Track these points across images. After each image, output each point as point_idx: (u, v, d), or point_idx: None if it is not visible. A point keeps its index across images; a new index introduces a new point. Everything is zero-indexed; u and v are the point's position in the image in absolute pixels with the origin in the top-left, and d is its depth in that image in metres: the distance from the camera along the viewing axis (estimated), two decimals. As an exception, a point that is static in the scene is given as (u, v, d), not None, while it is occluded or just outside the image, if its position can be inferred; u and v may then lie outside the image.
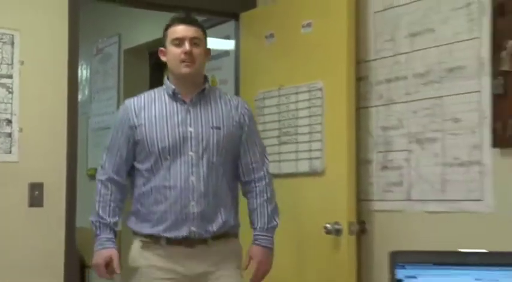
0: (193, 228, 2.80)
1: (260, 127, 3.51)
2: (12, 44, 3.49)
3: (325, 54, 3.51)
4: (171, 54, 2.88)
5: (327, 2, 3.52)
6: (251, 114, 3.07)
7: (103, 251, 2.84)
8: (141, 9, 4.38)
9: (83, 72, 5.76)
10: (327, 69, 3.50)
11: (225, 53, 4.56)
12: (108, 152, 2.94)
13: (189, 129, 2.86)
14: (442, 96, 3.15)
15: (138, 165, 2.92)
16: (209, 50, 3.00)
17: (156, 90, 3.01)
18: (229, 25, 4.32)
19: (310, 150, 3.55)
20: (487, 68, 2.94)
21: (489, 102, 2.93)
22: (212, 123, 2.90)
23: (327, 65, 3.50)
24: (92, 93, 5.77)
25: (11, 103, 3.47)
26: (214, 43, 3.97)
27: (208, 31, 4.44)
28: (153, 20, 4.73)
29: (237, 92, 4.13)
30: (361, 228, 3.43)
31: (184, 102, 2.89)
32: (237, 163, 2.99)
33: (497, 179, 2.91)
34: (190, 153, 2.84)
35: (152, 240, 2.85)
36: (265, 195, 2.98)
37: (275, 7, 3.89)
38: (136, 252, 2.89)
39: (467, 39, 3.05)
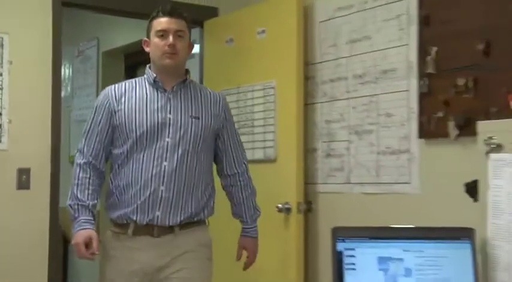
0: (158, 213, 2.48)
1: (221, 120, 3.47)
2: (2, 45, 3.44)
3: (278, 57, 3.50)
4: (155, 46, 2.57)
5: (279, 12, 3.50)
6: (229, 108, 2.80)
7: (82, 232, 2.50)
8: (117, 16, 4.31)
9: (66, 71, 5.71)
10: (279, 70, 3.49)
11: (191, 55, 4.50)
12: (87, 136, 2.62)
13: (168, 115, 2.55)
14: (376, 94, 3.16)
15: (114, 150, 2.61)
16: (192, 43, 2.74)
17: (137, 78, 2.69)
18: (195, 31, 4.25)
19: (265, 141, 3.55)
20: (415, 71, 2.97)
21: (416, 100, 2.96)
22: (191, 112, 2.59)
23: (279, 67, 3.49)
24: (74, 89, 5.71)
25: (1, 98, 3.43)
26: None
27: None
28: (128, 26, 4.70)
29: (201, 90, 4.07)
30: (308, 208, 3.43)
31: (165, 90, 2.59)
32: (213, 156, 2.72)
33: (423, 165, 2.94)
34: (167, 139, 2.52)
35: (121, 230, 2.54)
36: (249, 189, 2.77)
37: (234, 16, 3.86)
38: (107, 241, 2.61)
39: (398, 46, 3.07)
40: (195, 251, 2.56)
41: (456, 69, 2.79)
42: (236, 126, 2.94)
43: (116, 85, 2.65)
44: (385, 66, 3.13)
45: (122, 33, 5.08)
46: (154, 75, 2.59)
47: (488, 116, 2.48)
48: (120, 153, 2.57)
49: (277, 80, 3.51)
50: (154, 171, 2.50)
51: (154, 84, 2.60)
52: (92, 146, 2.59)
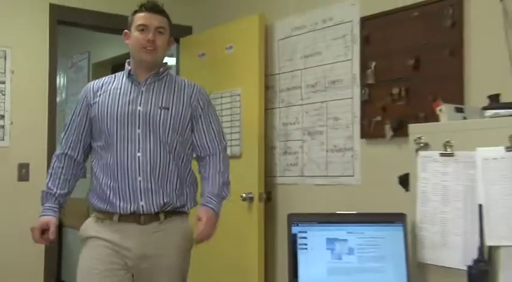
0: (141, 203, 2.18)
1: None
2: (5, 57, 3.44)
3: (243, 69, 3.49)
4: (135, 39, 2.26)
5: (244, 31, 3.49)
6: (208, 99, 2.40)
7: (42, 218, 2.25)
8: (106, 33, 4.24)
9: (61, 80, 5.61)
10: (244, 80, 3.48)
11: (169, 67, 4.47)
12: (67, 129, 2.35)
13: (138, 108, 2.24)
14: (326, 101, 3.17)
15: (93, 143, 2.33)
16: (172, 39, 2.40)
17: (118, 73, 2.39)
18: (172, 47, 4.24)
19: (231, 140, 3.52)
20: (357, 81, 2.98)
21: (359, 106, 2.97)
22: (161, 103, 2.26)
23: (244, 77, 3.48)
24: (68, 95, 5.61)
25: (4, 102, 3.43)
26: (160, 60, 3.92)
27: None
28: (116, 42, 4.60)
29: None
30: (268, 197, 3.42)
31: (138, 83, 2.29)
32: (189, 145, 2.35)
33: (364, 161, 2.96)
34: (137, 131, 2.22)
35: (106, 216, 2.23)
36: (218, 167, 2.34)
37: (206, 34, 3.84)
38: (88, 224, 2.29)
39: (343, 60, 3.08)
40: (178, 240, 2.25)
41: (391, 80, 2.81)
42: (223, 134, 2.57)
43: (97, 80, 2.40)
44: (333, 78, 3.13)
45: (110, 47, 5.01)
46: (130, 68, 2.31)
47: (417, 120, 2.50)
48: (98, 145, 2.30)
49: (242, 88, 3.49)
50: (129, 163, 2.21)
51: (130, 77, 2.31)
52: (71, 138, 2.33)
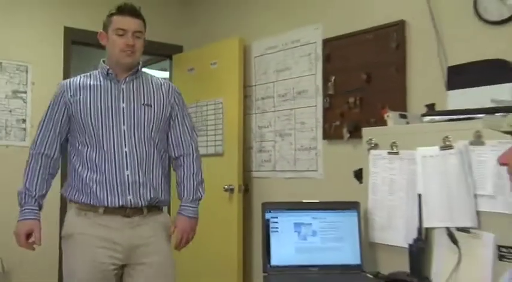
0: (129, 197, 1.91)
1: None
2: (27, 71, 3.45)
3: (225, 81, 3.47)
4: (113, 43, 1.97)
5: (227, 50, 3.47)
6: (181, 97, 2.14)
7: (25, 222, 1.91)
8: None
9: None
10: (226, 90, 3.46)
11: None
12: (42, 127, 2.01)
13: (122, 105, 1.96)
14: (294, 108, 3.17)
15: (72, 139, 2.00)
16: (145, 40, 2.05)
17: (90, 72, 2.06)
18: (166, 62, 4.21)
19: (215, 140, 3.52)
20: (320, 92, 2.99)
21: (321, 112, 2.98)
22: (144, 100, 2.00)
23: (226, 88, 3.46)
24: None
25: (26, 109, 3.43)
26: (155, 73, 3.84)
27: (151, 66, 4.36)
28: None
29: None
30: (246, 188, 3.41)
31: (118, 81, 2.00)
32: (167, 141, 2.10)
33: (325, 158, 2.96)
34: (123, 127, 1.95)
35: (89, 209, 1.92)
36: (192, 169, 2.10)
37: (194, 52, 3.81)
38: (70, 219, 1.97)
39: (308, 75, 3.08)
40: (160, 232, 2.00)
41: (348, 91, 2.81)
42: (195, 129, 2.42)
43: (71, 79, 2.05)
44: (300, 89, 3.13)
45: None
46: (107, 67, 2.00)
47: (369, 124, 2.50)
48: (78, 141, 1.97)
49: (224, 97, 3.48)
50: (116, 157, 1.93)
51: (108, 76, 2.00)
52: (47, 137, 1.99)
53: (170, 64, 4.07)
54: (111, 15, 1.99)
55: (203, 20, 3.91)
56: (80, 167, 1.95)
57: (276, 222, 1.77)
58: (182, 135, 2.10)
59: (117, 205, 1.90)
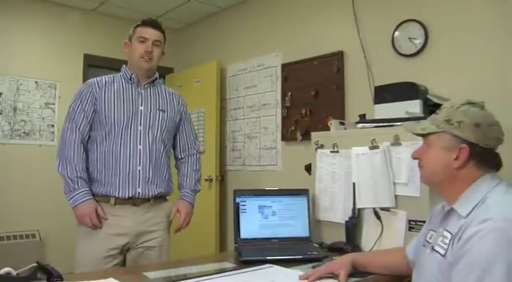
0: (138, 190, 1.73)
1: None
2: (56, 88, 3.46)
3: (206, 96, 3.43)
4: (135, 49, 1.80)
5: (207, 71, 3.44)
6: (187, 107, 2.00)
7: (88, 202, 1.69)
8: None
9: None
10: (207, 103, 3.42)
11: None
12: (74, 116, 1.75)
13: (140, 107, 1.78)
14: (259, 117, 3.17)
15: (92, 132, 1.76)
16: (164, 51, 1.88)
17: (113, 75, 1.85)
18: (160, 80, 4.15)
19: (198, 141, 3.48)
20: (279, 104, 3.00)
21: (280, 120, 2.98)
22: (159, 106, 1.83)
23: (207, 101, 3.42)
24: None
25: (54, 117, 3.43)
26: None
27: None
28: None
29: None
30: (221, 179, 3.38)
31: (138, 86, 1.82)
32: (172, 143, 1.93)
33: (283, 156, 2.97)
34: (139, 127, 1.76)
35: (102, 199, 1.72)
36: (195, 166, 1.97)
37: (182, 73, 3.77)
38: None
39: (270, 91, 3.09)
40: (163, 220, 1.83)
41: (301, 104, 2.83)
42: (197, 135, 2.21)
43: (97, 78, 1.83)
44: (264, 102, 3.13)
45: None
46: (131, 72, 1.82)
47: (317, 129, 2.48)
48: (98, 135, 1.75)
49: (205, 108, 3.44)
50: (131, 153, 1.74)
51: (130, 80, 1.82)
52: (81, 125, 1.74)
53: (164, 82, 4.01)
54: (136, 26, 1.84)
55: (189, 47, 3.87)
56: (97, 159, 1.74)
57: (245, 205, 1.75)
58: (188, 140, 1.98)
59: (126, 197, 1.73)
